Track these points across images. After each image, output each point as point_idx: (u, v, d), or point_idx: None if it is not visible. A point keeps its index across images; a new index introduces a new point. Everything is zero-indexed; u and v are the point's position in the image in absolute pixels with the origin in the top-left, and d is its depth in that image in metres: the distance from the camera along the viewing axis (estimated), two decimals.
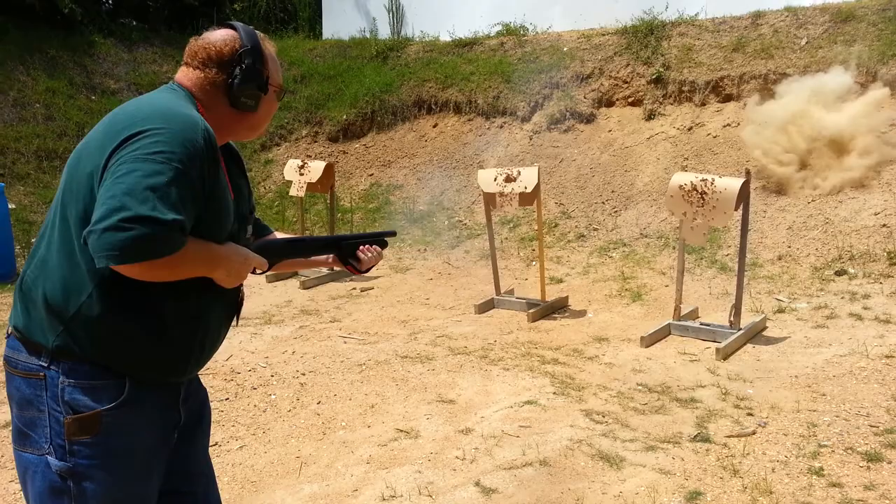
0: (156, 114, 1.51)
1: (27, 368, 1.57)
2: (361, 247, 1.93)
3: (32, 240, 7.13)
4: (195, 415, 1.83)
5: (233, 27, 1.70)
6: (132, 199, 1.36)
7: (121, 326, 1.54)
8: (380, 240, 1.97)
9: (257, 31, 1.74)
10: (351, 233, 2.05)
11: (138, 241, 1.37)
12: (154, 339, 1.58)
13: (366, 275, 6.47)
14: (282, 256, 1.86)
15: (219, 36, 1.68)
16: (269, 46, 1.75)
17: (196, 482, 1.85)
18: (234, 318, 1.79)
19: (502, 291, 5.66)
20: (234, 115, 1.70)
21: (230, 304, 1.74)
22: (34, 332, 1.57)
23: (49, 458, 1.54)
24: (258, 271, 1.76)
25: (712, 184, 4.55)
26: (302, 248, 1.91)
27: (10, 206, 6.71)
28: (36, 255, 1.61)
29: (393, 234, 2.04)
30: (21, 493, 2.93)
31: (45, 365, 1.55)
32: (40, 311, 1.55)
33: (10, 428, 3.58)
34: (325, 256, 1.97)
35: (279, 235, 1.99)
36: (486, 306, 5.49)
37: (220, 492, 1.97)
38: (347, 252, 1.92)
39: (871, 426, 3.42)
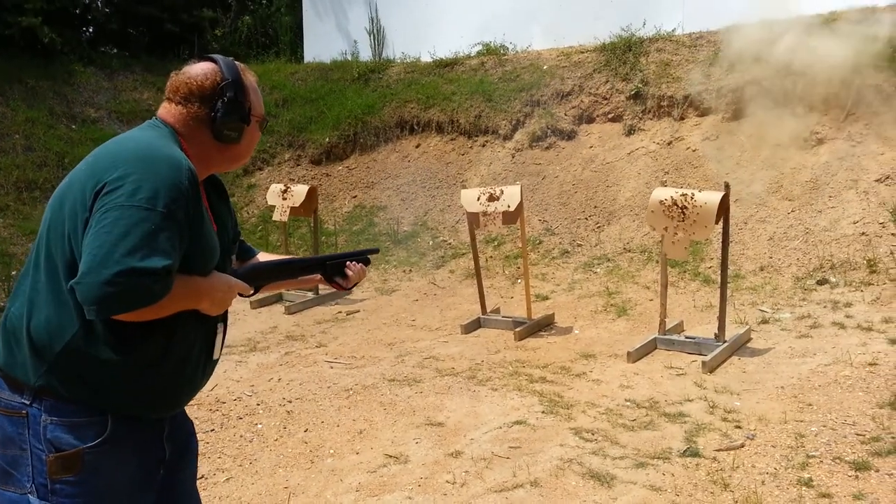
0: (138, 155, 1.52)
1: (9, 406, 1.57)
2: (348, 263, 1.98)
3: (13, 272, 7.04)
4: (181, 449, 1.82)
5: (213, 60, 1.71)
6: (118, 251, 1.38)
7: (106, 364, 1.54)
8: (363, 257, 2.03)
9: (237, 63, 1.75)
10: (336, 252, 2.10)
11: (127, 294, 1.39)
12: (139, 376, 1.58)
13: (350, 296, 6.47)
14: (269, 280, 1.89)
15: (199, 70, 1.69)
16: (250, 77, 1.77)
17: None
18: (217, 351, 1.79)
19: (488, 310, 5.66)
20: (218, 148, 1.71)
21: (210, 335, 1.74)
22: (17, 370, 1.56)
23: (31, 496, 1.53)
24: (243, 294, 1.77)
25: (692, 198, 4.59)
26: (289, 271, 1.95)
27: None
28: (19, 292, 1.61)
29: (376, 251, 2.10)
30: None
31: (28, 402, 1.54)
32: (24, 349, 1.55)
33: None
34: (310, 276, 2.00)
35: (264, 257, 2.01)
36: (472, 326, 5.49)
37: None
38: (333, 271, 1.97)
39: (858, 434, 3.44)
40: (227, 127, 1.67)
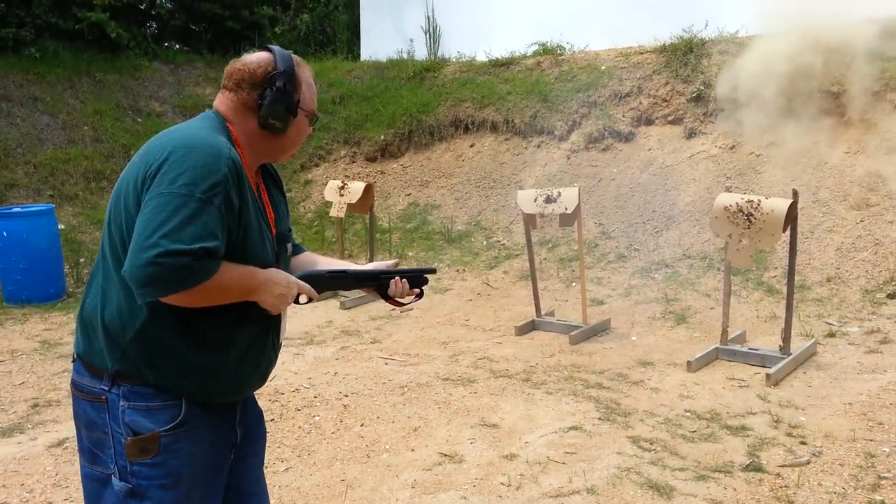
0: (181, 144, 1.56)
1: (91, 392, 1.65)
2: (393, 280, 1.92)
3: (81, 259, 7.31)
4: (251, 433, 1.87)
5: (269, 50, 1.74)
6: (156, 235, 1.44)
7: (175, 349, 1.60)
8: (420, 276, 1.96)
9: (295, 56, 1.76)
10: (392, 268, 2.02)
11: (167, 275, 1.44)
12: (208, 361, 1.64)
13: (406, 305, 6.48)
14: (324, 289, 1.87)
15: (254, 58, 1.73)
16: (306, 71, 1.78)
17: (247, 501, 1.87)
18: (278, 338, 1.82)
19: (543, 313, 5.61)
20: (263, 136, 1.73)
21: (275, 322, 1.77)
22: (95, 358, 1.64)
23: (113, 477, 1.61)
24: (302, 300, 1.77)
25: (759, 205, 4.47)
26: (343, 282, 1.92)
27: (59, 227, 6.89)
28: (93, 283, 1.69)
29: (433, 270, 2.02)
30: None
31: (107, 388, 1.62)
32: (100, 338, 1.63)
33: (62, 447, 3.65)
34: (366, 287, 1.97)
35: (310, 256, 2.00)
36: (526, 328, 5.46)
37: None
38: (387, 286, 1.93)
39: None
40: (272, 115, 1.69)
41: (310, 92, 1.78)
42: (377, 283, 1.93)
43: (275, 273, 1.67)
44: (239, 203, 1.58)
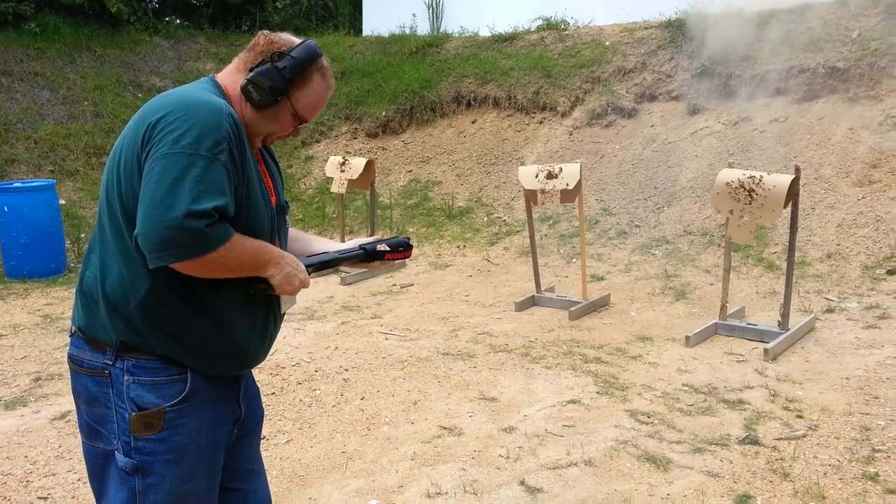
0: (180, 103, 1.54)
1: (92, 366, 1.62)
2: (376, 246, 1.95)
3: (82, 235, 7.33)
4: (251, 412, 1.87)
5: (305, 40, 1.71)
6: (170, 198, 1.42)
7: (180, 318, 1.58)
8: (400, 245, 2.01)
9: (325, 63, 1.72)
10: (370, 238, 2.03)
11: (185, 239, 1.42)
12: (214, 330, 1.62)
13: (404, 270, 6.51)
14: (315, 271, 1.87)
15: (284, 36, 1.71)
16: (321, 83, 1.71)
17: (245, 479, 1.87)
18: (280, 310, 1.81)
19: (543, 289, 5.63)
20: (242, 102, 1.67)
21: (276, 298, 1.76)
22: (97, 331, 1.61)
23: (117, 453, 1.59)
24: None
25: (761, 181, 4.45)
26: (333, 264, 1.90)
27: (60, 202, 6.90)
28: (91, 256, 1.66)
29: (406, 242, 2.04)
30: (84, 483, 3.03)
31: (110, 362, 1.59)
32: (102, 310, 1.60)
33: (65, 420, 3.68)
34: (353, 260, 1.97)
35: (297, 235, 1.97)
36: (526, 304, 5.47)
37: (269, 487, 1.99)
38: (372, 255, 1.95)
39: None
40: (254, 83, 1.63)
41: (312, 99, 1.70)
42: (361, 255, 1.93)
43: (284, 252, 1.66)
44: (241, 161, 1.56)
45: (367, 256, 1.94)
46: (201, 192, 1.44)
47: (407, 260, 6.13)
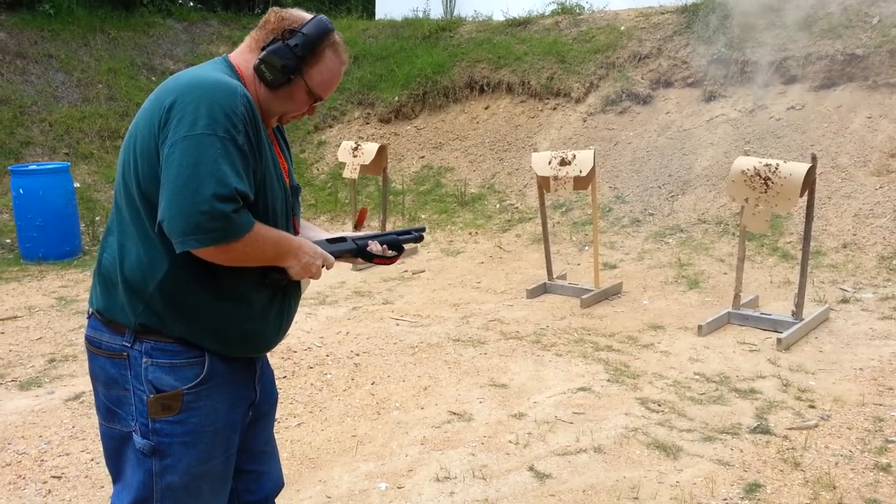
0: (195, 83, 1.53)
1: (110, 349, 1.62)
2: (369, 242, 1.90)
3: (97, 218, 7.38)
4: (267, 395, 1.88)
5: (316, 15, 1.69)
6: (194, 184, 1.42)
7: (199, 301, 1.58)
8: (409, 236, 2.00)
9: (337, 39, 1.70)
10: (377, 232, 1.99)
11: (211, 223, 1.43)
12: (232, 313, 1.62)
13: (416, 256, 6.51)
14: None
15: (295, 13, 1.69)
16: (334, 58, 1.69)
17: (258, 461, 1.89)
18: (296, 294, 1.81)
19: (554, 276, 5.61)
20: (255, 82, 1.66)
21: (294, 283, 1.76)
22: (116, 313, 1.61)
23: (135, 435, 1.60)
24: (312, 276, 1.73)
25: (777, 169, 4.40)
26: (345, 256, 1.89)
27: (75, 185, 6.94)
28: (109, 238, 1.66)
29: (422, 229, 2.04)
30: (98, 463, 3.07)
31: (129, 345, 1.60)
32: (120, 292, 1.60)
33: (79, 401, 3.72)
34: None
35: (304, 224, 1.95)
36: (537, 291, 5.46)
37: (281, 469, 2.01)
38: (361, 252, 1.91)
39: None
40: (266, 62, 1.62)
41: (326, 76, 1.68)
42: (354, 249, 1.89)
43: (306, 242, 1.67)
44: (257, 143, 1.56)
45: (358, 252, 1.91)
46: (225, 172, 1.44)
47: (418, 246, 6.12)
